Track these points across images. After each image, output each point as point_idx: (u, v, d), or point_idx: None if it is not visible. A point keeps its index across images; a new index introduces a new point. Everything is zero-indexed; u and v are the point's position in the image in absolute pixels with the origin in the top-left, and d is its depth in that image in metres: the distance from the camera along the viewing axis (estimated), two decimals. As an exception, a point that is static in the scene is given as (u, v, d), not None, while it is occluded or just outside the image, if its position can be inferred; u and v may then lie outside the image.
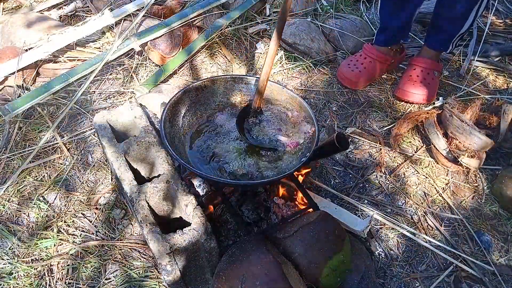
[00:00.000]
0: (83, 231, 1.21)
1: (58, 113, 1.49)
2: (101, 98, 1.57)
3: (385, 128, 1.55)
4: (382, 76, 1.76)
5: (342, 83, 1.70)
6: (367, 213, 1.28)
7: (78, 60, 1.69)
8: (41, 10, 1.89)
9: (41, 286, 1.10)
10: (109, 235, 1.21)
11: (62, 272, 1.13)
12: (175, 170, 1.12)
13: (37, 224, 1.22)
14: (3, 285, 1.10)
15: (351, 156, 1.45)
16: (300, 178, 1.25)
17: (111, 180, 1.32)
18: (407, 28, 1.66)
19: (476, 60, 1.83)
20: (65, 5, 1.94)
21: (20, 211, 1.25)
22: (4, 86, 1.54)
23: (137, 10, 1.81)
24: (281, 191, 1.20)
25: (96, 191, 1.30)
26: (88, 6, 1.94)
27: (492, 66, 1.83)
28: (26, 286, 1.10)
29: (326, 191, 1.33)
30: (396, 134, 1.46)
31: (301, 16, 1.92)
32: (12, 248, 1.17)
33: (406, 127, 1.48)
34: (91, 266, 1.14)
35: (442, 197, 1.35)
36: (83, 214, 1.25)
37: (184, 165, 1.02)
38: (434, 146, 1.41)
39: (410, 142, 1.51)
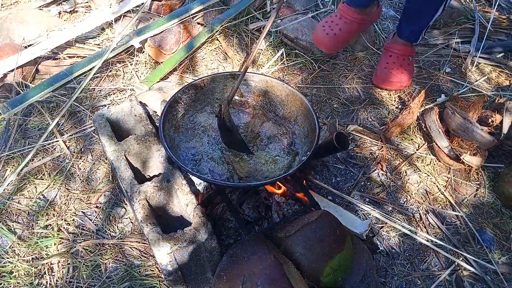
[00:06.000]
0: (83, 229, 1.21)
1: (57, 111, 1.49)
2: (101, 95, 1.56)
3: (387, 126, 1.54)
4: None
5: (318, 47, 1.69)
6: (368, 213, 1.28)
7: (78, 57, 1.68)
8: (40, 6, 1.87)
9: (42, 285, 1.10)
10: (110, 234, 1.20)
11: (62, 271, 1.13)
12: (176, 169, 1.11)
13: (37, 223, 1.21)
14: (4, 284, 1.10)
15: (352, 153, 1.44)
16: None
17: (111, 179, 1.32)
18: None
19: (479, 57, 1.82)
20: (64, 1, 1.92)
21: (20, 209, 1.24)
22: (3, 83, 1.53)
23: (137, 6, 1.80)
24: (282, 189, 1.20)
25: (97, 189, 1.30)
26: (87, 2, 1.93)
27: (495, 63, 1.82)
28: (27, 285, 1.10)
29: (327, 190, 1.33)
30: (392, 126, 1.46)
31: (302, 12, 1.90)
32: (12, 247, 1.16)
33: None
34: (92, 265, 1.13)
35: (444, 195, 1.35)
36: (83, 212, 1.25)
37: (181, 166, 1.01)
38: (436, 144, 1.40)
39: (412, 139, 1.50)
